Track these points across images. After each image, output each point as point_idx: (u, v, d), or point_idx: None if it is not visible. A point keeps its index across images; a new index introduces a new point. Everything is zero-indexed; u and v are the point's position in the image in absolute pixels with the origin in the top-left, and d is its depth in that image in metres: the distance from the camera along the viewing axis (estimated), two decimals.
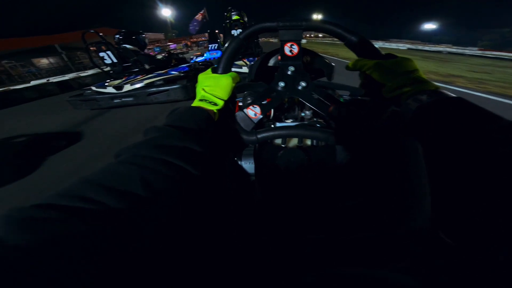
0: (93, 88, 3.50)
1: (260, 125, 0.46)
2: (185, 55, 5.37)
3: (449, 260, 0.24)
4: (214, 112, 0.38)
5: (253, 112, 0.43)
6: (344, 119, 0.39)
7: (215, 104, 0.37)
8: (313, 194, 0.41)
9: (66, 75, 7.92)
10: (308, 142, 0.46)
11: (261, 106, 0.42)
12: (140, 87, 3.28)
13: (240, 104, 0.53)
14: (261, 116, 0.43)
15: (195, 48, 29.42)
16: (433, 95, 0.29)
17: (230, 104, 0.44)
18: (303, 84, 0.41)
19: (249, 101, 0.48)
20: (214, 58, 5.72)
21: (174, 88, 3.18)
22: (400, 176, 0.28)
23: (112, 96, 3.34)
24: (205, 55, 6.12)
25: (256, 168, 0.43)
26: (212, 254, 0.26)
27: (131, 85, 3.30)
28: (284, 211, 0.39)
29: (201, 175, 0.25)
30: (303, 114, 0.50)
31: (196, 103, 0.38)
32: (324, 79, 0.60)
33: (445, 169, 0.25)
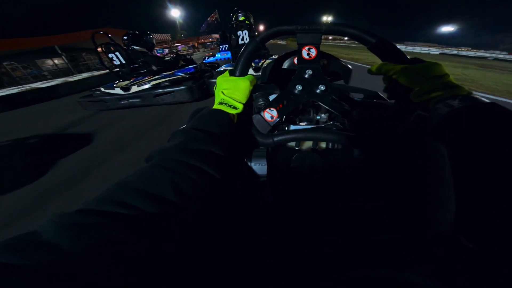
0: (102, 89, 3.58)
1: (274, 127, 0.46)
2: (192, 56, 5.43)
3: (470, 264, 0.24)
4: (234, 116, 0.38)
5: (270, 115, 0.43)
6: (366, 122, 0.39)
7: (235, 108, 0.38)
8: (328, 196, 0.41)
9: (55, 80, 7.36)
10: (323, 145, 0.46)
11: (277, 109, 0.42)
12: (146, 88, 3.32)
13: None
14: (278, 119, 0.43)
15: (202, 50, 29.89)
16: (466, 100, 0.28)
17: (247, 106, 0.45)
18: (322, 87, 0.41)
19: (260, 102, 0.49)
20: (224, 58, 5.86)
21: (179, 90, 3.21)
22: (422, 179, 0.28)
23: (119, 97, 3.41)
24: (216, 55, 6.23)
25: (268, 169, 0.43)
26: (224, 253, 0.26)
27: (138, 86, 3.36)
28: (298, 213, 0.39)
29: (222, 178, 0.26)
30: (318, 117, 0.50)
31: (216, 106, 0.39)
32: (340, 82, 0.59)
33: (473, 174, 0.25)
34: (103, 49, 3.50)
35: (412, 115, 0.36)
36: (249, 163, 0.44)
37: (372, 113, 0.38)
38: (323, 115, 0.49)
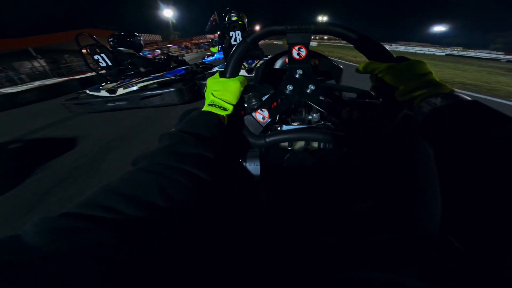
0: (87, 91, 3.48)
1: (266, 127, 0.46)
2: (185, 57, 5.37)
3: (458, 265, 0.24)
4: (224, 117, 0.38)
5: (261, 115, 0.43)
6: (356, 122, 0.39)
7: (225, 109, 0.38)
8: (320, 196, 0.41)
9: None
10: (315, 144, 0.46)
11: (269, 110, 0.43)
12: (133, 90, 3.24)
13: (245, 105, 0.53)
14: (270, 120, 0.43)
15: (195, 50, 29.67)
16: (448, 98, 0.28)
17: (238, 107, 0.44)
18: (312, 87, 0.41)
19: (253, 103, 0.49)
20: (221, 58, 5.80)
21: (168, 92, 3.14)
22: (410, 179, 0.28)
23: (105, 100, 3.32)
24: (215, 55, 6.21)
25: (262, 170, 0.44)
26: (218, 255, 0.26)
27: (124, 88, 3.29)
28: (292, 213, 0.39)
29: (213, 180, 0.26)
30: (310, 117, 0.51)
31: (206, 108, 0.39)
32: (332, 81, 0.60)
33: (457, 172, 0.25)
34: (88, 50, 3.40)
35: (399, 114, 0.36)
36: (244, 164, 0.44)
37: (362, 113, 0.38)
38: (314, 115, 0.50)
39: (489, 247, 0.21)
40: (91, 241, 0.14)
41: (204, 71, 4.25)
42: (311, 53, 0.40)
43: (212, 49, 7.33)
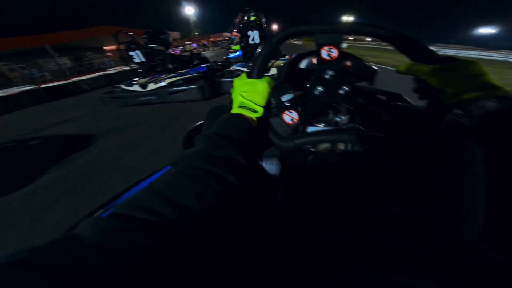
0: (122, 86, 3.80)
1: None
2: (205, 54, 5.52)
3: (491, 272, 0.23)
4: (253, 120, 0.38)
5: (290, 117, 0.42)
6: (394, 124, 0.37)
7: (255, 111, 0.38)
8: (347, 200, 0.40)
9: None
10: (341, 146, 0.45)
11: (298, 111, 0.42)
12: (162, 86, 3.48)
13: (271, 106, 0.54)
14: (299, 122, 0.42)
15: (211, 49, 30.44)
16: (504, 101, 0.27)
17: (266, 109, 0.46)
18: (346, 88, 0.40)
19: (272, 102, 0.49)
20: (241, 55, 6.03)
21: (191, 88, 3.34)
22: (455, 184, 0.27)
23: (137, 94, 3.60)
24: (238, 52, 6.39)
25: (282, 170, 0.43)
26: (236, 254, 0.27)
27: (155, 84, 3.53)
28: (316, 217, 0.38)
29: (240, 185, 0.27)
30: (338, 119, 0.49)
31: (235, 110, 0.38)
32: (362, 83, 0.58)
33: (509, 179, 0.24)
34: (124, 47, 3.70)
35: (444, 117, 0.35)
36: (260, 162, 0.44)
37: (399, 115, 0.37)
38: (343, 116, 0.48)
39: None
40: (138, 242, 0.16)
41: (223, 68, 4.41)
42: (343, 54, 0.39)
43: (233, 47, 7.68)
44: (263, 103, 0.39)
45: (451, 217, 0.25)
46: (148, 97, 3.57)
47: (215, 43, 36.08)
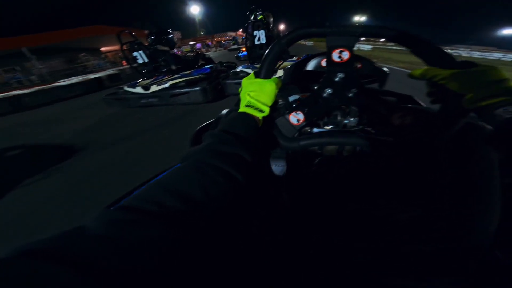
0: (125, 87, 3.76)
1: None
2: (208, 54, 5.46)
3: (500, 276, 0.24)
4: (259, 119, 0.39)
5: (296, 118, 0.43)
6: (407, 127, 0.37)
7: (261, 111, 0.39)
8: (355, 203, 0.40)
9: None
10: (349, 149, 0.45)
11: (304, 112, 0.42)
12: (165, 88, 3.44)
13: (277, 107, 0.54)
14: (305, 123, 0.42)
15: (214, 49, 30.62)
16: None
17: (272, 109, 0.46)
18: (356, 91, 0.40)
19: (280, 103, 0.49)
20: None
21: (193, 91, 3.27)
22: (470, 190, 0.27)
23: (140, 96, 3.58)
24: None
25: (288, 171, 0.43)
26: (240, 251, 0.27)
27: (158, 85, 3.50)
28: (321, 219, 0.39)
29: (245, 182, 0.28)
30: (346, 121, 0.49)
31: (243, 109, 0.39)
32: (373, 85, 0.58)
33: None
34: (127, 47, 3.64)
35: (460, 121, 0.34)
36: (266, 163, 0.44)
37: (411, 118, 0.37)
38: (352, 119, 0.48)
39: None
40: (146, 233, 0.17)
41: (228, 70, 4.30)
42: (355, 56, 0.39)
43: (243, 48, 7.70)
44: (270, 103, 0.40)
45: (468, 223, 0.25)
46: (150, 99, 3.55)
47: (219, 43, 36.14)
